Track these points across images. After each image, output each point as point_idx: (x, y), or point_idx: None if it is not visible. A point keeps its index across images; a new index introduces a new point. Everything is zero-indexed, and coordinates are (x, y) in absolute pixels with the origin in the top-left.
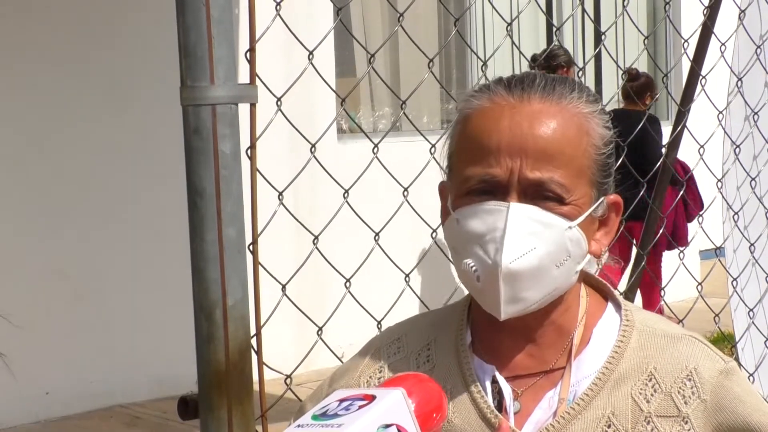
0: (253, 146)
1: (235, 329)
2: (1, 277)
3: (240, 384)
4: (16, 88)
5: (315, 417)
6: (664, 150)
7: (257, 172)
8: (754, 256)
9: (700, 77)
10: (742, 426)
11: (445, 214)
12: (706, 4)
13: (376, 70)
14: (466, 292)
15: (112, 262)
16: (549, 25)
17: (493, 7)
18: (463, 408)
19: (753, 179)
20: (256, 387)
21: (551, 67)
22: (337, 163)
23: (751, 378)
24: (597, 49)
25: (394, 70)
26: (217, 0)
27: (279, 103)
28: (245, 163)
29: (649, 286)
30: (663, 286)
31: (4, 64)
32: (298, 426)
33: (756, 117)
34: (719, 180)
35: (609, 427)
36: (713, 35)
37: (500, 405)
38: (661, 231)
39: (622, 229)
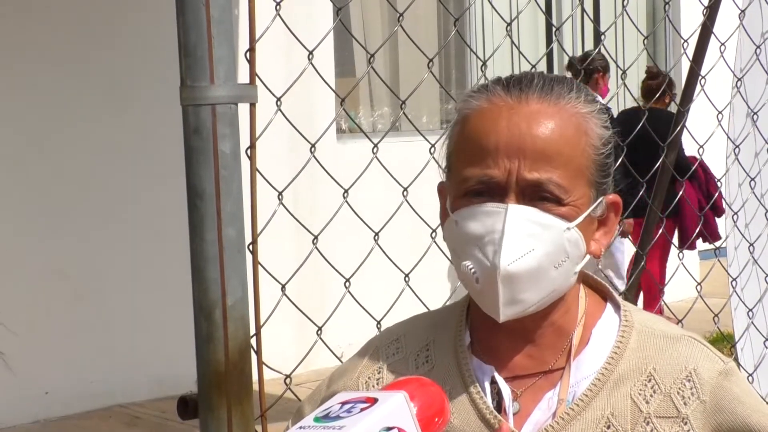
0: (252, 146)
1: (234, 329)
2: (1, 277)
3: (239, 384)
4: (16, 88)
5: (317, 419)
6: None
7: (257, 172)
8: (753, 256)
9: (700, 77)
10: (742, 427)
11: (444, 215)
12: (706, 4)
13: (376, 70)
14: (465, 292)
15: (112, 262)
16: (548, 25)
17: (493, 7)
18: (462, 409)
19: (752, 179)
20: (255, 387)
21: (587, 70)
22: (336, 163)
23: (750, 378)
24: (596, 49)
25: (394, 70)
26: (217, 0)
27: (279, 103)
28: (245, 163)
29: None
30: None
31: (4, 64)
32: (300, 428)
33: (756, 117)
34: (719, 180)
35: (608, 427)
36: (713, 35)
37: (499, 406)
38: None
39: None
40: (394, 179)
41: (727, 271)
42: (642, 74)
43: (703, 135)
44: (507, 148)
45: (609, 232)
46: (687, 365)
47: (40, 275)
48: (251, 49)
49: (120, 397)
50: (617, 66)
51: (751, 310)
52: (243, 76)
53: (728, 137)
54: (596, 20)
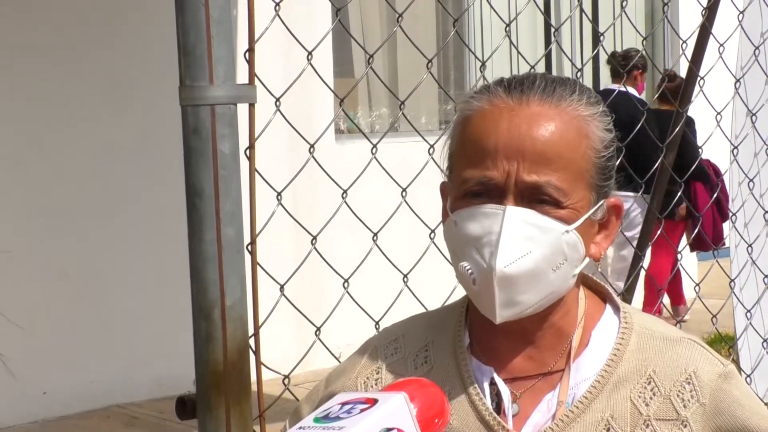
0: (251, 146)
1: (233, 329)
2: (1, 277)
3: (238, 384)
4: (16, 88)
5: (317, 419)
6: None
7: (256, 172)
8: (752, 257)
9: (699, 78)
10: (741, 429)
11: (445, 215)
12: (705, 5)
13: (375, 71)
14: (464, 292)
15: (112, 262)
16: (547, 25)
17: (492, 7)
18: (462, 410)
19: (751, 180)
20: (254, 387)
21: (626, 67)
22: (335, 164)
23: (747, 379)
24: (595, 50)
25: (393, 70)
26: (217, 0)
27: (278, 103)
28: (244, 163)
29: (675, 285)
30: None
31: (4, 64)
32: (300, 428)
33: (755, 118)
34: (718, 180)
35: (608, 430)
36: (711, 36)
37: (498, 407)
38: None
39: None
40: (393, 180)
41: (725, 272)
42: None
43: (702, 136)
44: (506, 149)
45: (610, 236)
46: (687, 368)
47: (40, 275)
48: (250, 50)
49: (119, 397)
50: (617, 67)
51: (749, 311)
52: (242, 77)
53: (727, 138)
54: (595, 21)
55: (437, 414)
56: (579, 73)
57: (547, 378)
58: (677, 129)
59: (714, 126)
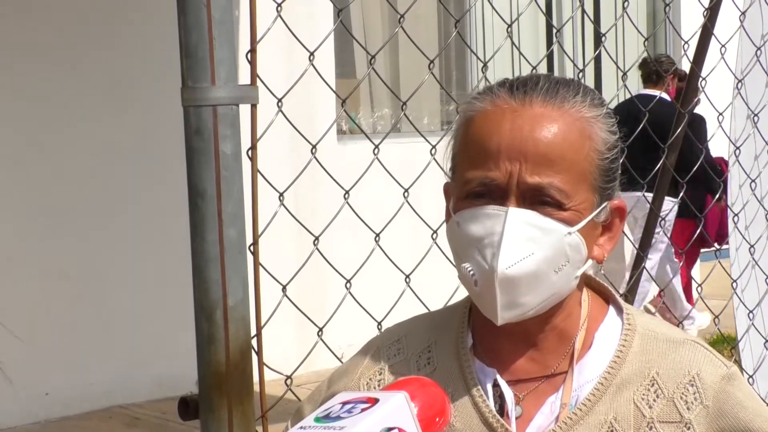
0: (254, 147)
1: (235, 330)
2: (1, 278)
3: (240, 384)
4: (16, 88)
5: (318, 419)
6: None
7: (258, 173)
8: (754, 258)
9: (700, 79)
10: (744, 431)
11: (448, 216)
12: (706, 6)
13: (377, 71)
14: (466, 293)
15: (112, 262)
16: (549, 26)
17: (494, 8)
18: (465, 412)
19: (753, 181)
20: (256, 388)
21: (660, 73)
22: (337, 164)
23: (749, 380)
24: (597, 51)
25: (395, 71)
26: (218, 1)
27: (280, 104)
28: (246, 164)
29: (687, 286)
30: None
31: (4, 64)
32: (301, 428)
33: (756, 119)
34: (720, 181)
35: None
36: (713, 37)
37: (501, 409)
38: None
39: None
40: (395, 180)
41: (727, 272)
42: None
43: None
44: (509, 150)
45: (613, 238)
46: (690, 370)
47: (40, 275)
48: (252, 50)
49: (120, 398)
50: (618, 68)
51: (751, 311)
52: (244, 77)
53: (729, 139)
54: (597, 21)
55: (438, 413)
56: (581, 74)
57: (550, 380)
58: (678, 130)
59: (716, 127)
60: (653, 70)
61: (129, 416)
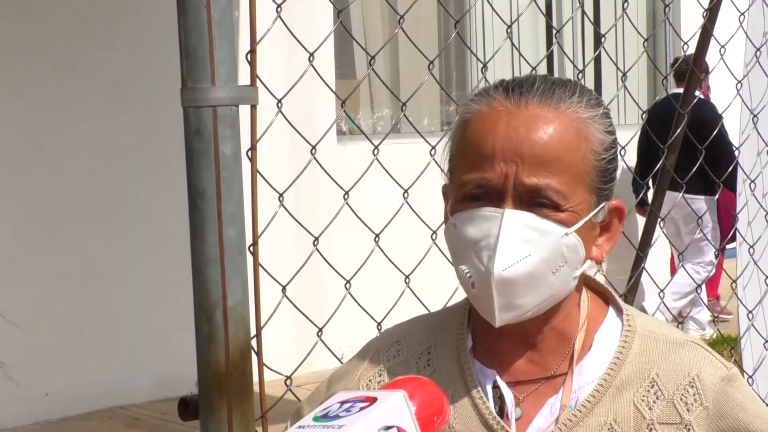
0: (253, 148)
1: (235, 330)
2: (1, 278)
3: (240, 385)
4: (16, 88)
5: (316, 418)
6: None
7: (258, 174)
8: (753, 258)
9: (701, 79)
10: None
11: (446, 218)
12: (706, 7)
13: (377, 72)
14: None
15: (112, 262)
16: (549, 27)
17: (493, 9)
18: (465, 413)
19: (752, 181)
20: (256, 388)
21: (694, 72)
22: (337, 165)
23: (749, 380)
24: (597, 52)
25: (394, 72)
26: (218, 1)
27: (279, 104)
28: (246, 165)
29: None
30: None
31: (4, 64)
32: (300, 427)
33: (756, 119)
34: (719, 181)
35: None
36: (713, 38)
37: (501, 411)
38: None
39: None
40: (395, 181)
41: (727, 273)
42: (642, 75)
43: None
44: (504, 152)
45: (612, 238)
46: (690, 371)
47: (40, 275)
48: (252, 51)
49: (120, 399)
50: (617, 68)
51: (750, 312)
52: (244, 78)
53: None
54: (596, 22)
55: (436, 412)
56: (581, 75)
57: (550, 382)
58: (678, 131)
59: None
60: (686, 69)
61: (129, 417)
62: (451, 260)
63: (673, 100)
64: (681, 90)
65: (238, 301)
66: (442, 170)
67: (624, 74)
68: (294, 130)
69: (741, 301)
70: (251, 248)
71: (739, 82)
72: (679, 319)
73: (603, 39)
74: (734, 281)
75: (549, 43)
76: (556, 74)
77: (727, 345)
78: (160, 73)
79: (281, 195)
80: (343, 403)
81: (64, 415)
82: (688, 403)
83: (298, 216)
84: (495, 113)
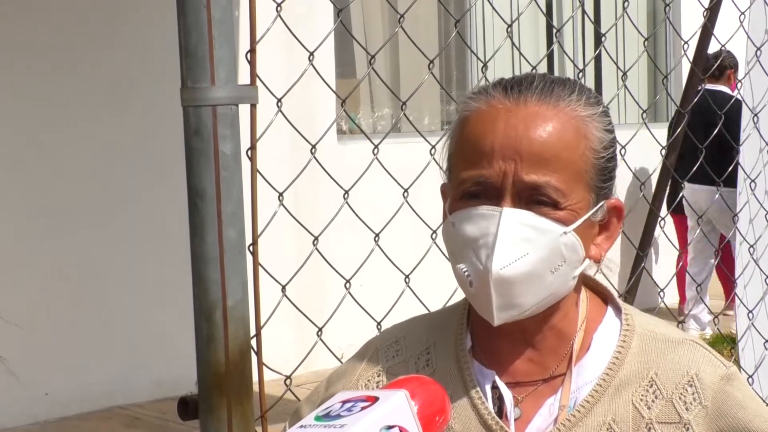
0: (253, 147)
1: (235, 330)
2: (1, 277)
3: (240, 385)
4: (16, 88)
5: (318, 418)
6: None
7: (258, 173)
8: (753, 258)
9: (700, 79)
10: None
11: (444, 217)
12: (706, 6)
13: (377, 71)
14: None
15: (112, 262)
16: (549, 26)
17: (494, 8)
18: (464, 413)
19: (753, 181)
20: (255, 388)
21: (721, 68)
22: (337, 164)
23: (750, 379)
24: (597, 51)
25: (395, 71)
26: (218, 1)
27: (279, 104)
28: (246, 164)
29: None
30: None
31: (4, 64)
32: (301, 426)
33: (756, 118)
34: (719, 182)
35: None
36: (713, 37)
37: (500, 411)
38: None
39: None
40: (395, 180)
41: (727, 273)
42: (642, 76)
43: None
44: (503, 149)
45: (611, 237)
46: (689, 370)
47: (40, 275)
48: (252, 50)
49: (120, 398)
50: (618, 68)
51: (751, 311)
52: (244, 77)
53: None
54: (597, 22)
55: (438, 411)
56: (581, 74)
57: (549, 382)
58: (678, 130)
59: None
60: (713, 65)
61: (129, 416)
62: (449, 259)
63: (708, 97)
64: (710, 86)
65: (237, 301)
66: (442, 169)
67: (624, 73)
68: (294, 130)
69: (741, 301)
70: (251, 248)
71: (740, 81)
72: (680, 318)
73: (603, 38)
74: (734, 280)
75: (549, 43)
76: (556, 74)
77: (727, 345)
78: (160, 73)
79: (281, 194)
80: (344, 402)
81: (64, 415)
82: (687, 402)
83: (298, 215)
84: (494, 111)
